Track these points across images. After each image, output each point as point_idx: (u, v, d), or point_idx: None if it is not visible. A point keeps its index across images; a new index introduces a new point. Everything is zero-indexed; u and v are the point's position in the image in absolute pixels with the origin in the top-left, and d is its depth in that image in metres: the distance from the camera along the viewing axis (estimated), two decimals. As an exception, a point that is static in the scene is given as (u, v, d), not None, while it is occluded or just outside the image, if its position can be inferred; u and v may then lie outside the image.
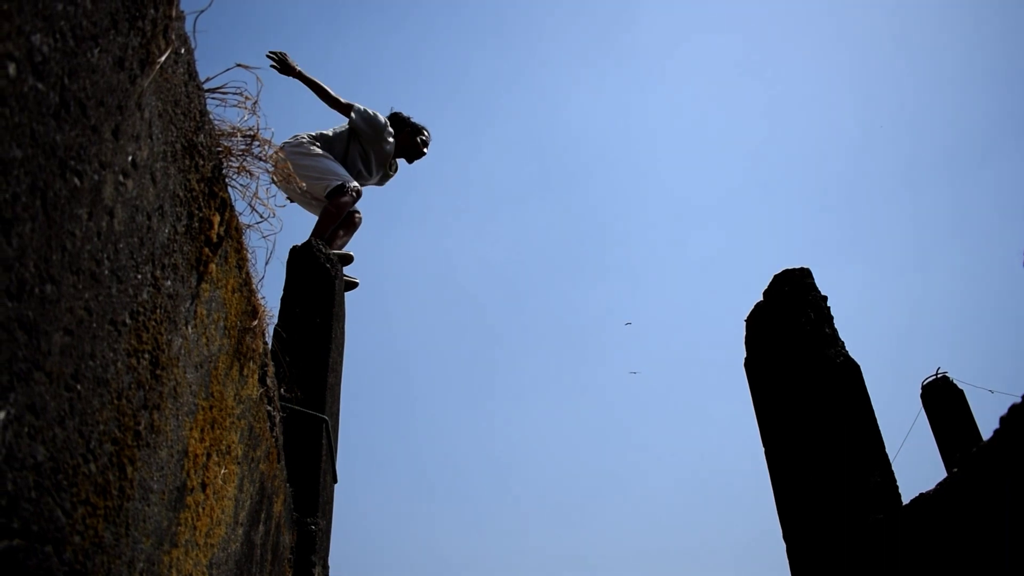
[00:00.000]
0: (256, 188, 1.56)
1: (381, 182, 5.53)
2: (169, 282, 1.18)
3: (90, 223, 0.91)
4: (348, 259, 4.84)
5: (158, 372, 1.15)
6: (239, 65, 1.47)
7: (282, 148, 5.04)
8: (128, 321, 1.03)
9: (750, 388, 6.53)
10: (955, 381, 9.72)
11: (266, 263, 1.69)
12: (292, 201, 5.12)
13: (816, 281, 6.57)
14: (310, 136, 5.10)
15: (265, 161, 1.55)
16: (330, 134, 5.24)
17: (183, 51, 1.21)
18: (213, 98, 1.45)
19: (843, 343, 6.16)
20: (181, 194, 1.23)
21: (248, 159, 1.53)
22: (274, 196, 1.60)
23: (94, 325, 0.93)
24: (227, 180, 1.47)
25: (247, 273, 1.64)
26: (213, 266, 1.41)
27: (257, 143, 1.53)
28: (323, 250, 4.74)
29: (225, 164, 1.47)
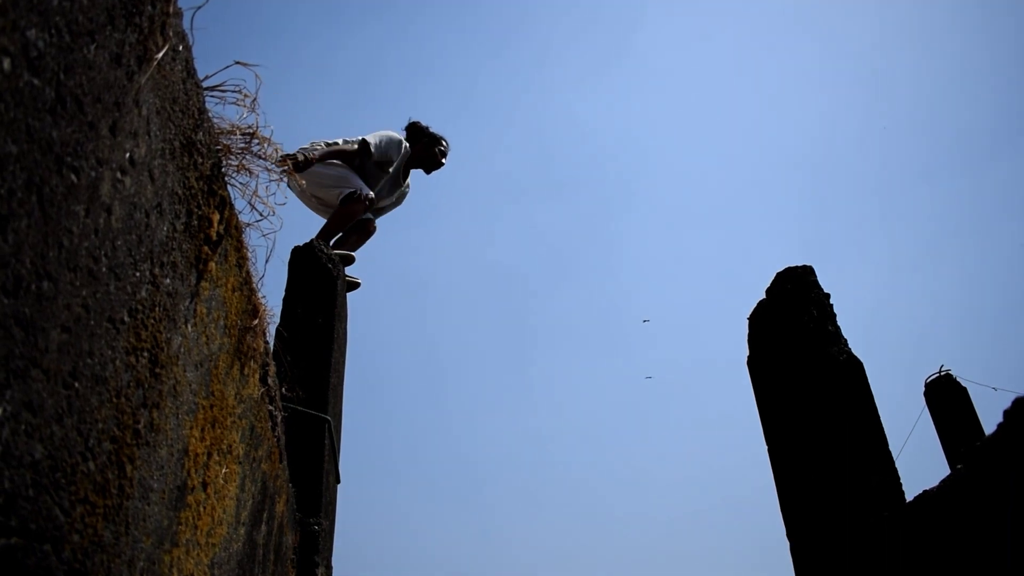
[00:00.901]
0: (256, 186, 1.56)
1: (398, 200, 5.49)
2: (168, 280, 1.18)
3: (87, 220, 0.91)
4: (350, 260, 4.83)
5: (157, 370, 1.15)
6: (238, 63, 1.46)
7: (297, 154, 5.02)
8: (127, 319, 1.03)
9: (753, 386, 6.52)
10: (958, 379, 9.70)
11: (266, 261, 1.69)
12: (311, 209, 5.12)
13: (819, 279, 6.57)
14: (326, 143, 5.08)
15: (265, 159, 1.55)
16: (342, 143, 5.25)
17: (181, 48, 1.21)
18: (212, 96, 1.44)
19: (846, 341, 6.15)
20: (180, 192, 1.23)
21: (247, 157, 1.53)
22: (273, 194, 1.60)
23: (92, 323, 0.92)
24: (226, 178, 1.47)
25: (247, 272, 1.64)
26: (213, 264, 1.40)
27: (256, 141, 1.53)
28: (325, 250, 4.74)
29: (224, 162, 1.47)
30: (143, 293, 1.08)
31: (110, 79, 0.96)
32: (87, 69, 0.90)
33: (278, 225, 1.65)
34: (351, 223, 4.96)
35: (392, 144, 5.18)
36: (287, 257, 4.39)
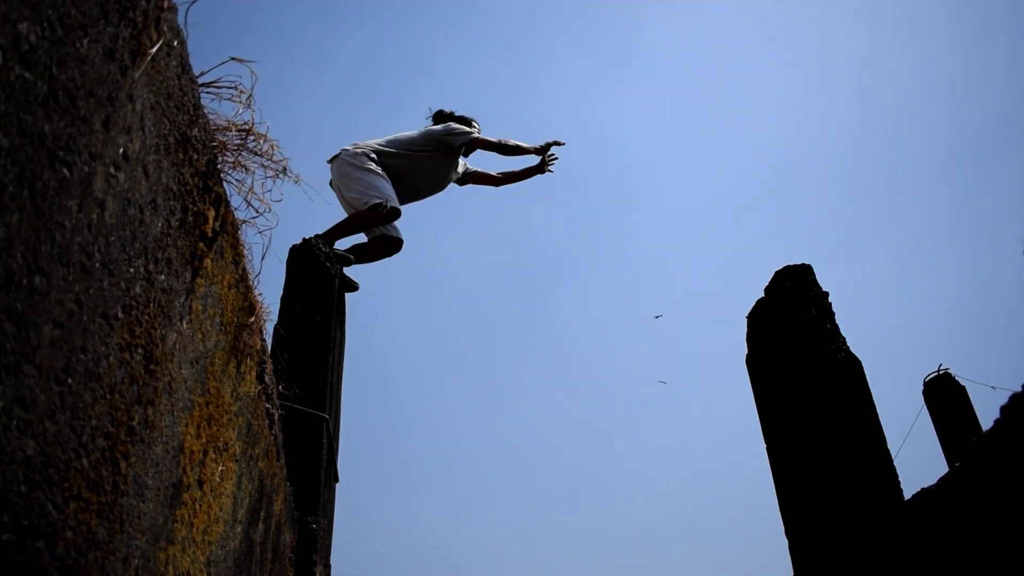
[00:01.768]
0: (252, 183, 1.55)
1: (461, 181, 5.39)
2: (163, 276, 1.17)
3: (80, 215, 0.90)
4: (348, 260, 4.79)
5: (152, 367, 1.14)
6: (233, 59, 1.46)
7: (340, 154, 4.89)
8: (120, 315, 1.02)
9: (751, 385, 6.52)
10: (957, 377, 9.70)
11: (262, 258, 1.68)
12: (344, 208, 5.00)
13: (817, 278, 6.57)
14: (377, 144, 4.93)
15: (260, 156, 1.54)
16: (400, 142, 5.04)
17: (175, 43, 1.20)
18: (207, 92, 1.44)
19: (844, 339, 6.15)
20: (175, 188, 1.22)
21: (243, 154, 1.52)
22: (269, 191, 1.59)
23: (85, 318, 0.92)
24: (222, 175, 1.46)
25: (243, 269, 1.63)
26: (208, 261, 1.40)
27: (252, 138, 1.52)
28: (323, 248, 4.73)
29: (220, 158, 1.46)
30: (137, 289, 1.07)
31: (103, 73, 0.96)
32: (80, 63, 0.89)
33: (274, 222, 1.65)
34: (364, 229, 4.86)
35: (456, 137, 5.10)
36: (284, 255, 4.38)
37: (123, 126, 1.02)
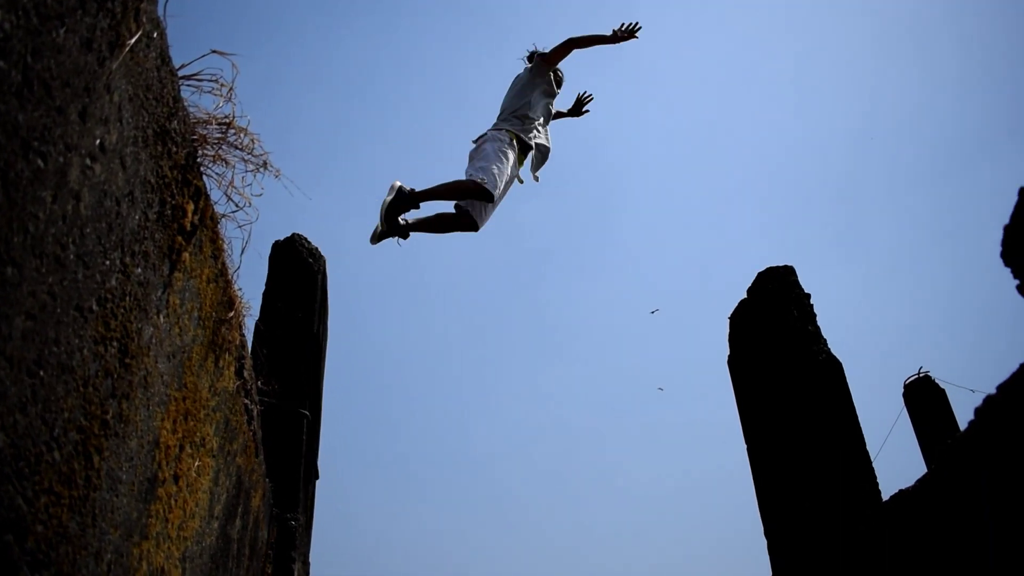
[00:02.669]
0: (232, 177, 1.54)
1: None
2: (139, 269, 1.16)
3: (54, 206, 0.89)
4: (404, 234, 4.24)
5: (127, 361, 1.13)
6: (215, 51, 1.45)
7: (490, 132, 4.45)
8: (95, 308, 1.01)
9: (733, 385, 6.55)
10: (937, 380, 9.78)
11: (242, 252, 1.67)
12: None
13: (800, 280, 6.61)
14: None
15: (241, 150, 1.53)
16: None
17: (155, 35, 1.19)
18: (188, 85, 1.42)
19: (825, 340, 6.19)
20: (153, 180, 1.21)
21: (224, 147, 1.51)
22: (250, 185, 1.58)
23: (58, 310, 0.91)
24: (202, 168, 1.45)
25: (223, 263, 1.62)
26: (187, 255, 1.39)
27: (233, 131, 1.51)
28: (306, 244, 4.71)
29: (200, 152, 1.45)
30: (113, 282, 1.06)
31: (80, 64, 0.95)
32: (56, 53, 0.88)
33: (255, 216, 1.63)
34: (457, 198, 4.45)
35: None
36: (264, 250, 4.35)
37: (100, 117, 1.01)
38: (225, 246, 1.63)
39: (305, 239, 4.92)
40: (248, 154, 1.56)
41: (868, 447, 5.77)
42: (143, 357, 1.20)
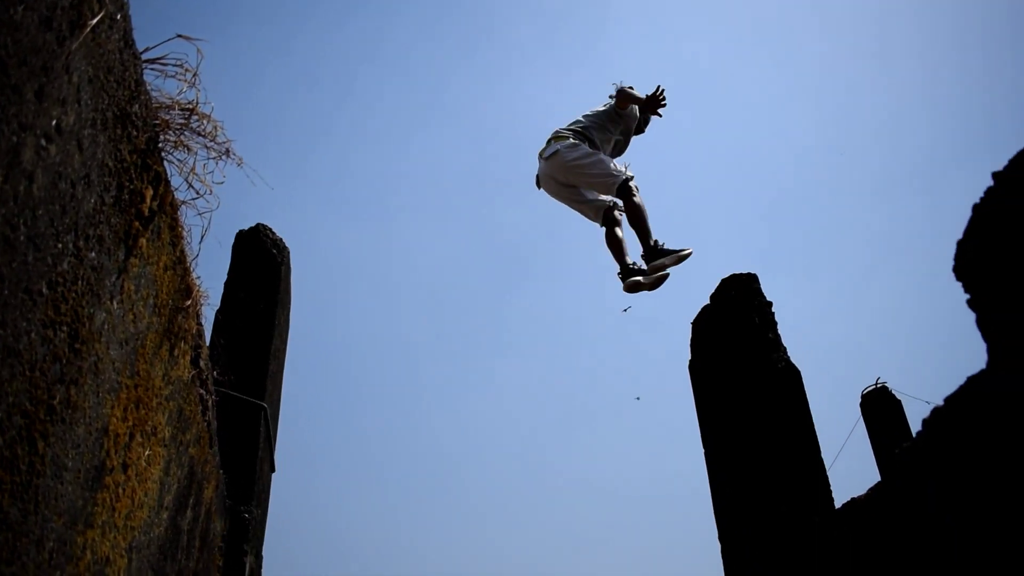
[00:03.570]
0: (194, 163, 1.52)
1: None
2: (93, 254, 1.14)
3: (6, 186, 0.87)
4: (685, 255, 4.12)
5: (77, 346, 1.11)
6: (180, 36, 1.43)
7: (554, 154, 4.30)
8: (45, 291, 1.00)
9: (693, 390, 6.62)
10: (893, 391, 9.97)
11: (201, 240, 1.65)
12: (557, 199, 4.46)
13: (762, 288, 6.69)
14: (579, 125, 4.42)
15: (204, 136, 1.52)
16: (598, 115, 4.53)
17: (119, 16, 1.17)
18: (151, 69, 1.40)
19: (785, 348, 6.28)
20: (111, 164, 1.19)
21: (186, 133, 1.49)
22: (212, 172, 1.56)
23: (6, 292, 0.89)
24: (163, 154, 1.44)
25: (182, 251, 1.60)
26: (144, 241, 1.37)
27: (196, 117, 1.49)
28: (270, 235, 4.67)
29: (161, 137, 1.43)
30: (65, 266, 1.05)
31: (38, 42, 0.93)
32: (13, 30, 0.87)
33: (215, 204, 1.61)
34: (640, 220, 4.17)
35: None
36: (223, 238, 4.29)
37: (57, 97, 0.99)
38: (185, 233, 1.61)
39: (270, 230, 4.87)
40: (211, 141, 1.54)
41: (825, 455, 5.87)
42: (94, 343, 1.18)
